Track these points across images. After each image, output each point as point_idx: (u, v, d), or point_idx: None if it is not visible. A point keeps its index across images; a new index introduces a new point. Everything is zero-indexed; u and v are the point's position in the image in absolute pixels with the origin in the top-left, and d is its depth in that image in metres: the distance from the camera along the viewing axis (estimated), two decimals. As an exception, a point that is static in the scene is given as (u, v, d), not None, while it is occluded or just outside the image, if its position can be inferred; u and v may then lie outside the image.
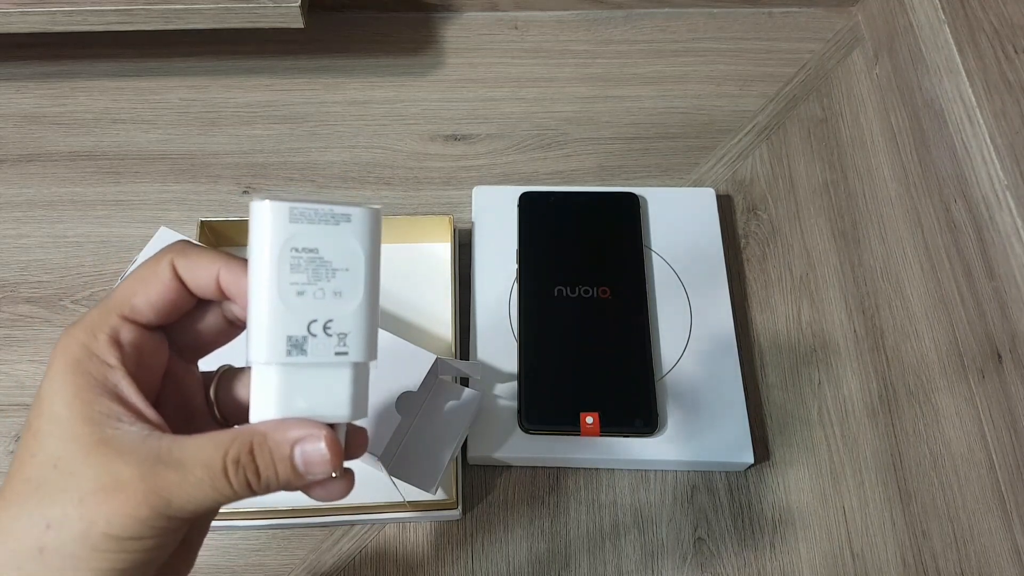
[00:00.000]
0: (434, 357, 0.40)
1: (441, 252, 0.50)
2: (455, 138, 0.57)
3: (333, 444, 0.24)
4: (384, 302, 0.49)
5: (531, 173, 0.55)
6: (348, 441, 0.26)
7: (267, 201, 0.24)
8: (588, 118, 0.58)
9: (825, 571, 0.43)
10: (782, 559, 0.43)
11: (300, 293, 0.24)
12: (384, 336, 0.41)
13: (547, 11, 0.63)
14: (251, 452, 0.24)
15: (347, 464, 0.26)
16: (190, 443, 0.24)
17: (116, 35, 0.51)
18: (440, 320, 0.48)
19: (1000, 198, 0.44)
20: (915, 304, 0.51)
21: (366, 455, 0.38)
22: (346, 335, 0.25)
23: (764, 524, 0.44)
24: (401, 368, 0.40)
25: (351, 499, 0.41)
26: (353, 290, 0.25)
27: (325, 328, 0.24)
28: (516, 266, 0.49)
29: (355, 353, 0.25)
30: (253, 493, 0.24)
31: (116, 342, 0.25)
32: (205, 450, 0.23)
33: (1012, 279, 0.43)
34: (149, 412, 0.24)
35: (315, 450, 0.24)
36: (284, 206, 0.24)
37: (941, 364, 0.49)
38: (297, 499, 0.42)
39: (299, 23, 0.51)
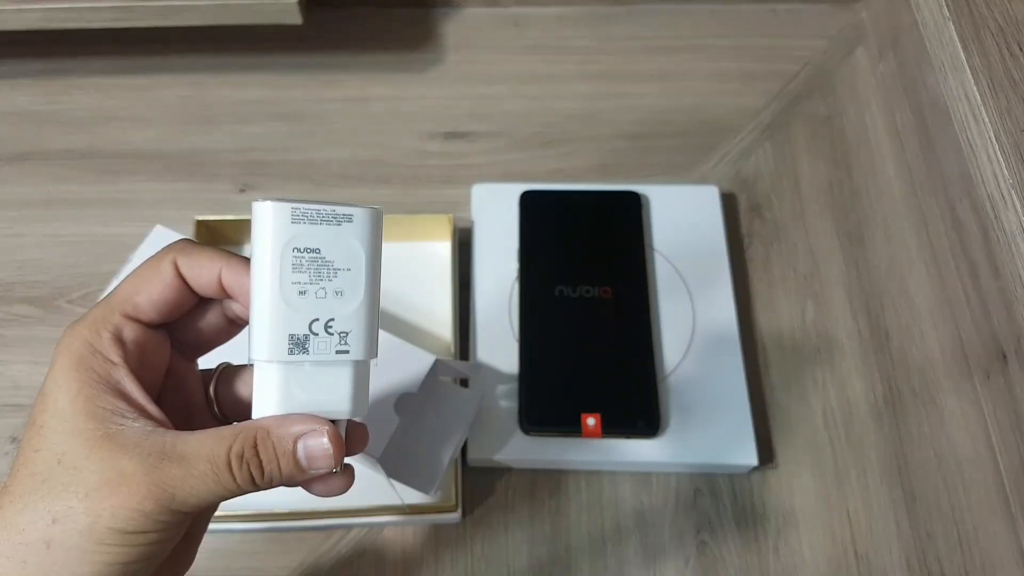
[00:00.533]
0: (433, 358, 0.40)
1: (441, 251, 0.50)
2: (455, 135, 0.57)
3: (335, 439, 0.25)
4: (383, 302, 0.48)
5: (532, 171, 0.55)
6: (348, 437, 0.27)
7: (269, 202, 0.24)
8: (590, 115, 0.58)
9: (829, 574, 0.42)
10: (786, 562, 0.43)
11: (302, 292, 0.24)
12: (383, 337, 0.40)
13: (548, 7, 0.62)
14: (255, 447, 0.24)
15: (347, 461, 0.27)
16: (193, 438, 0.24)
17: (112, 32, 0.51)
18: (440, 320, 0.48)
19: (1006, 197, 0.44)
20: (920, 304, 0.50)
21: (365, 457, 0.37)
22: (347, 334, 0.25)
23: (768, 527, 0.44)
24: (400, 369, 0.39)
25: (349, 502, 0.41)
26: (354, 289, 0.25)
27: (327, 327, 0.25)
28: (516, 265, 0.49)
29: (356, 351, 0.25)
30: (256, 488, 0.25)
31: (119, 339, 0.25)
32: (208, 445, 0.24)
33: (1018, 279, 0.43)
34: (152, 408, 0.25)
35: (317, 444, 0.25)
36: (286, 206, 0.24)
37: (946, 365, 0.48)
38: (295, 502, 0.42)
39: (297, 20, 0.50)
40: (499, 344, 0.46)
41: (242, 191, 0.54)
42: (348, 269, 0.25)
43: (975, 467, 0.45)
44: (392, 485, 0.39)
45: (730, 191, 0.54)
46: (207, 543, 0.44)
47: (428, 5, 0.62)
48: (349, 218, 0.25)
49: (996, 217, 0.44)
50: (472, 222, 0.51)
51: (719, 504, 0.44)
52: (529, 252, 0.49)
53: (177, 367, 0.28)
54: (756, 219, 0.53)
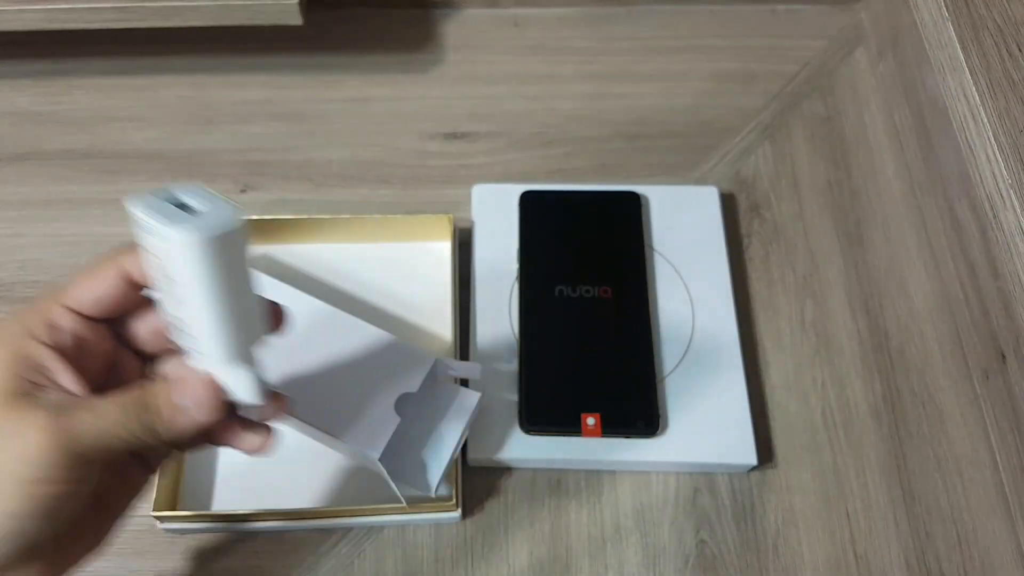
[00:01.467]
0: (433, 358, 0.40)
1: (441, 251, 0.50)
2: (455, 136, 0.57)
3: (208, 385, 0.28)
4: (384, 302, 0.48)
5: (532, 171, 0.55)
6: (268, 404, 0.30)
7: (129, 202, 0.25)
8: (590, 116, 0.58)
9: (828, 573, 0.43)
10: (785, 561, 0.43)
11: (160, 293, 0.27)
12: (383, 337, 0.40)
13: (548, 7, 0.62)
14: (144, 392, 0.27)
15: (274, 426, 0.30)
16: (101, 397, 0.27)
17: (113, 33, 0.51)
18: (440, 320, 0.48)
19: (1004, 197, 0.44)
20: (919, 304, 0.50)
21: (366, 457, 0.37)
22: (196, 339, 0.27)
23: (767, 526, 0.44)
24: (400, 369, 0.39)
25: (350, 501, 0.41)
26: (189, 300, 0.26)
27: (181, 327, 0.27)
28: (516, 265, 0.49)
29: (210, 356, 0.27)
30: (155, 435, 0.27)
31: (52, 325, 0.27)
32: (114, 396, 0.27)
33: (1017, 278, 0.43)
34: (74, 387, 0.27)
35: (193, 388, 0.28)
36: (137, 211, 0.25)
37: (945, 364, 0.48)
38: (295, 502, 0.42)
39: (298, 20, 0.50)
40: (499, 344, 0.46)
41: (243, 191, 0.54)
42: (181, 282, 0.25)
43: (974, 467, 0.45)
44: (392, 485, 0.39)
45: (729, 191, 0.54)
46: (207, 542, 0.44)
47: (428, 5, 0.62)
48: (170, 238, 0.24)
49: (995, 217, 0.45)
50: (472, 222, 0.51)
51: (719, 503, 0.44)
52: (529, 252, 0.49)
53: (127, 364, 0.30)
54: (755, 219, 0.53)
